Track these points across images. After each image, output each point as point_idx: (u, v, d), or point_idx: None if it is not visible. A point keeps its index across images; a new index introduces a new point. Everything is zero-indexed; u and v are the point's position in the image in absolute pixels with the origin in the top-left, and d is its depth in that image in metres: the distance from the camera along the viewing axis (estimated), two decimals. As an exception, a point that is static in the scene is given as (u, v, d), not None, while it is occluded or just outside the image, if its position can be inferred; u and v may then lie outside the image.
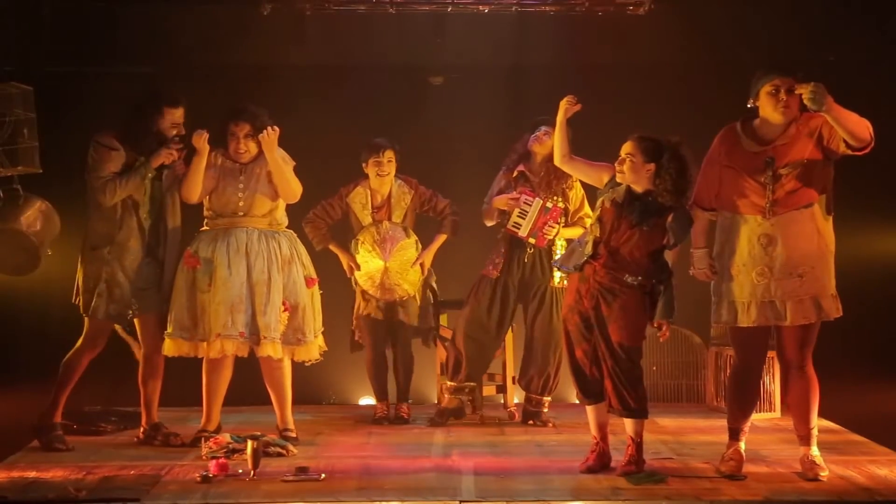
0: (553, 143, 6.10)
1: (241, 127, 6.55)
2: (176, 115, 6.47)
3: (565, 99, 6.05)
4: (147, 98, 6.49)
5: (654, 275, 5.72)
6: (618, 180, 5.75)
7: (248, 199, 6.57)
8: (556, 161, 6.10)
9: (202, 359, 6.54)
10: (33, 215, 6.32)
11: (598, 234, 5.79)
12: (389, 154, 7.23)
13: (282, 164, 6.55)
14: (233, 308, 6.43)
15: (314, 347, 6.70)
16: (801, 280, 5.61)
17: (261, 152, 6.58)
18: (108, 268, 6.38)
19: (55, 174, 6.68)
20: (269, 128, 6.45)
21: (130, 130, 6.42)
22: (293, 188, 6.62)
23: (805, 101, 5.40)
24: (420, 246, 7.32)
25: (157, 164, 6.41)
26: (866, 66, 7.80)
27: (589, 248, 5.80)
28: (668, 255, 5.77)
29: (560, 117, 6.03)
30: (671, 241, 5.70)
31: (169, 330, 6.48)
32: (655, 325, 5.74)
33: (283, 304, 6.54)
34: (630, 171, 5.70)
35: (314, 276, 6.72)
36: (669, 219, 5.68)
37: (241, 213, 6.58)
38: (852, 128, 5.46)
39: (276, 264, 6.54)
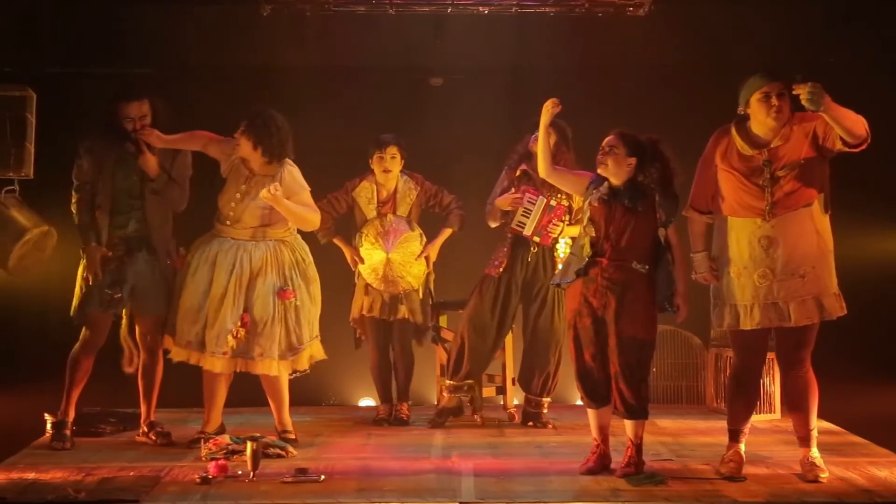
0: (547, 145, 6.09)
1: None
2: (129, 110, 6.41)
3: (549, 101, 6.04)
4: (112, 94, 6.53)
5: (657, 263, 5.75)
6: (599, 172, 5.82)
7: (239, 210, 6.50)
8: (542, 174, 6.11)
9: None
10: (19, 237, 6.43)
11: (594, 234, 5.81)
12: (393, 150, 7.21)
13: (291, 208, 6.38)
14: (189, 318, 6.43)
15: (305, 356, 6.61)
16: (802, 280, 5.61)
17: (270, 165, 6.49)
18: (83, 264, 6.47)
19: (56, 174, 6.69)
20: (272, 186, 6.23)
21: (98, 128, 6.50)
22: (309, 220, 6.56)
23: (803, 102, 5.38)
24: (425, 239, 7.29)
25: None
26: (865, 67, 7.80)
27: (588, 249, 5.81)
28: (664, 234, 5.76)
29: (544, 119, 6.02)
30: (662, 217, 5.73)
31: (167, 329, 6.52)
32: (672, 307, 5.78)
33: (242, 318, 6.42)
34: (613, 164, 5.77)
35: (292, 287, 6.52)
36: (657, 197, 5.74)
37: (229, 223, 6.52)
38: (850, 126, 5.45)
39: (242, 277, 6.42)
